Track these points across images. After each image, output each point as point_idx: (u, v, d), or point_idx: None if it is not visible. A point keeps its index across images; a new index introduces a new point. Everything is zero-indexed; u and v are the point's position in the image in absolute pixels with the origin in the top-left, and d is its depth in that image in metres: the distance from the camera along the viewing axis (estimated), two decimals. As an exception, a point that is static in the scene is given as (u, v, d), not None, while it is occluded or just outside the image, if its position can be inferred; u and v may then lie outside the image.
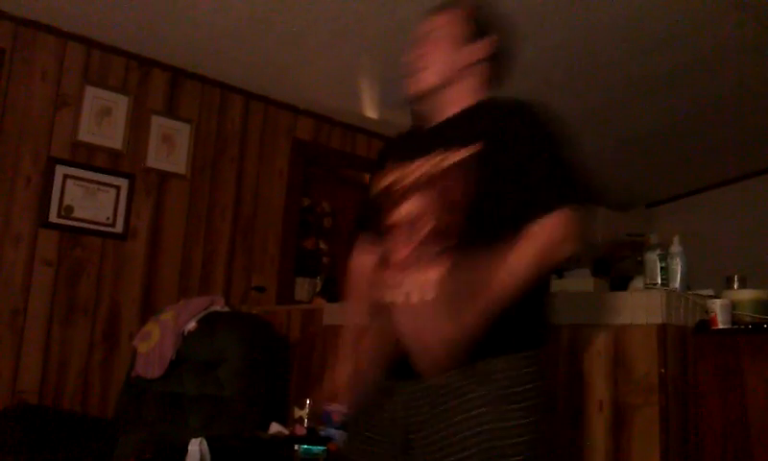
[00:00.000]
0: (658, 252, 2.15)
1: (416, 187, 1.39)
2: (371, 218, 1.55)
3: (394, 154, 1.54)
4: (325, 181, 5.19)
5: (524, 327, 1.36)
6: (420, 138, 1.50)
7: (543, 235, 1.27)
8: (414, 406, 1.35)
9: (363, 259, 1.60)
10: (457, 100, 1.48)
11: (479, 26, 1.49)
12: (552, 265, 1.33)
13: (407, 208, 1.38)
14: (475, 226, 1.31)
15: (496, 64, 1.51)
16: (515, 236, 1.28)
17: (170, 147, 3.58)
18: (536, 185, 1.32)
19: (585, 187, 1.36)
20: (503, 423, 1.27)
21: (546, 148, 1.36)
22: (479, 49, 1.48)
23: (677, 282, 2.16)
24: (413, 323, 1.28)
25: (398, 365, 1.35)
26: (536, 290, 1.34)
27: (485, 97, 1.50)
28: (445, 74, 1.46)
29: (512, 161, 1.33)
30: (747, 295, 2.07)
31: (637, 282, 2.31)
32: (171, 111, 3.60)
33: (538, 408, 1.32)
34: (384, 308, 1.37)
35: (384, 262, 1.43)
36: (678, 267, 2.18)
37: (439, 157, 1.38)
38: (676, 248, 2.22)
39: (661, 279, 2.12)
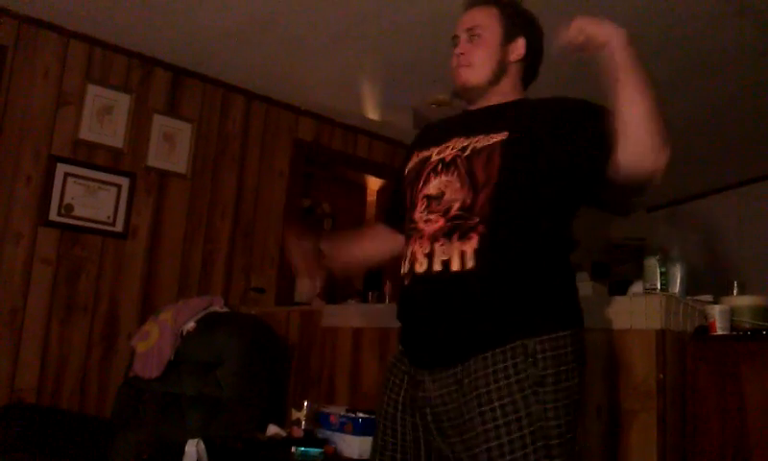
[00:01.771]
0: (657, 256, 2.14)
1: (447, 165, 1.45)
2: (401, 192, 1.62)
3: (432, 133, 1.61)
4: (326, 182, 5.19)
5: (557, 307, 1.39)
6: (460, 120, 1.57)
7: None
8: (444, 395, 1.37)
9: (379, 225, 1.81)
10: (500, 95, 1.54)
11: (514, 26, 1.54)
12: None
13: (437, 184, 1.44)
14: (499, 207, 1.36)
15: (531, 63, 1.58)
16: (550, 213, 1.40)
17: (171, 146, 3.58)
18: (592, 142, 1.36)
19: None
20: (539, 406, 1.28)
21: (592, 114, 1.40)
22: (516, 49, 1.54)
23: (676, 288, 2.16)
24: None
25: (421, 353, 1.42)
26: (565, 270, 1.42)
27: (524, 97, 1.57)
28: (487, 75, 1.52)
29: (547, 146, 1.38)
30: (746, 301, 2.06)
31: (637, 287, 2.30)
32: (172, 111, 3.60)
33: (572, 390, 1.33)
34: (409, 276, 1.43)
35: (411, 232, 1.47)
36: (677, 272, 2.17)
37: (470, 140, 1.45)
38: (676, 253, 2.22)
39: (661, 284, 2.12)
